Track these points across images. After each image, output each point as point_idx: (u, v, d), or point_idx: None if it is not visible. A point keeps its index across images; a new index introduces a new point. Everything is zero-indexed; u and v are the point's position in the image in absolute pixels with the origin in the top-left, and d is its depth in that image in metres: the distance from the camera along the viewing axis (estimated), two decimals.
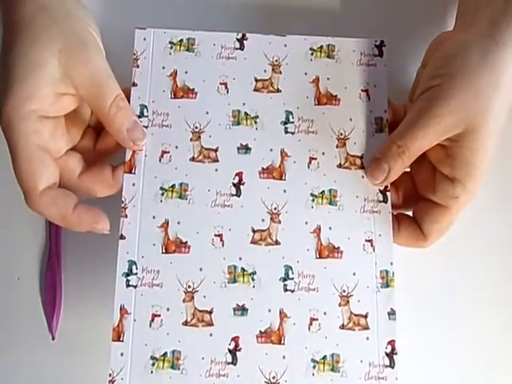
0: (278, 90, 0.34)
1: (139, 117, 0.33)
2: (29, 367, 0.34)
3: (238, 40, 0.34)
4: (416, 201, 0.33)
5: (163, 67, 0.34)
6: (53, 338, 0.34)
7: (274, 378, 0.30)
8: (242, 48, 0.34)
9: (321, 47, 0.35)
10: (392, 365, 0.30)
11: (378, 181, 0.32)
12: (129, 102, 0.32)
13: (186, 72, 0.34)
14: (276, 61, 0.34)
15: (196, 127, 0.33)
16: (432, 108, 0.29)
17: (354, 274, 0.31)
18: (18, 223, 0.36)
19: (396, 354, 0.30)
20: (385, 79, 0.34)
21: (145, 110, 0.33)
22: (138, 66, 0.33)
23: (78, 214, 0.29)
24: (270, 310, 0.31)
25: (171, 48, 0.34)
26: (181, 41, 0.34)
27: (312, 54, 0.35)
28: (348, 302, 0.31)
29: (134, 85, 0.33)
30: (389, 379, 0.30)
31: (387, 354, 0.30)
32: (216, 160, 0.33)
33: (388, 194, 0.33)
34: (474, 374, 0.35)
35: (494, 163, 0.31)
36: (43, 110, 0.28)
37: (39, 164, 0.28)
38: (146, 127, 0.33)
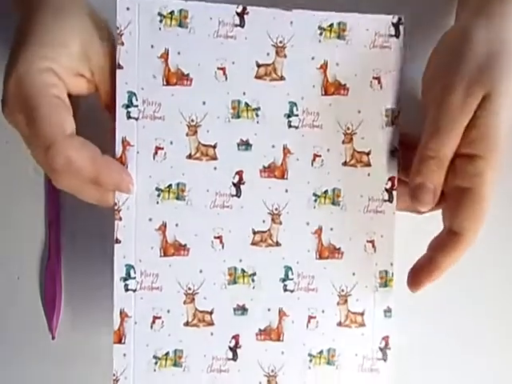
0: (282, 78, 0.31)
1: (127, 106, 0.30)
2: (29, 367, 0.34)
3: (237, 14, 0.30)
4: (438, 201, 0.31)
5: (152, 46, 0.30)
6: (53, 338, 0.34)
7: (272, 371, 0.31)
8: (242, 25, 0.30)
9: (331, 25, 0.31)
10: (385, 358, 0.32)
11: (429, 205, 0.29)
12: (115, 86, 0.29)
13: (179, 53, 0.30)
14: (280, 42, 0.30)
15: (192, 120, 0.30)
16: (445, 102, 0.28)
17: (353, 274, 0.32)
18: (17, 223, 0.35)
19: (389, 348, 0.32)
20: (400, 64, 0.31)
21: (133, 99, 0.30)
22: (122, 44, 0.29)
23: (107, 160, 0.28)
24: (269, 310, 0.31)
25: (161, 22, 0.29)
26: (171, 13, 0.29)
27: (321, 33, 0.31)
28: (346, 300, 0.32)
29: (120, 67, 0.29)
30: (381, 371, 0.32)
31: (381, 349, 0.32)
32: (214, 158, 0.30)
33: (394, 192, 0.32)
34: (474, 374, 0.36)
35: None
36: (62, 75, 0.27)
37: (62, 110, 0.27)
38: (137, 119, 0.30)
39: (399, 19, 0.31)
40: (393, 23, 0.31)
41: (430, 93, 0.29)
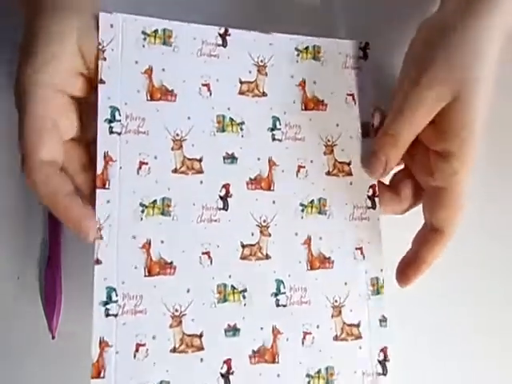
0: (264, 94, 0.32)
1: (110, 121, 0.29)
2: (29, 367, 0.33)
3: (220, 35, 0.31)
4: (419, 196, 0.32)
5: (136, 62, 0.30)
6: (53, 338, 0.33)
7: None
8: (224, 45, 0.31)
9: (306, 48, 0.33)
10: (385, 372, 0.31)
11: (377, 173, 0.31)
12: (96, 101, 0.29)
13: (164, 70, 0.30)
14: (261, 61, 0.32)
15: (177, 134, 0.30)
16: (417, 84, 0.29)
17: (345, 283, 0.31)
18: (17, 223, 0.35)
19: (388, 360, 0.31)
20: (370, 83, 0.34)
21: (116, 114, 0.29)
22: (104, 59, 0.29)
23: (70, 200, 0.27)
24: (262, 328, 0.30)
25: (144, 40, 0.30)
26: (155, 32, 0.30)
27: (298, 55, 0.33)
28: (340, 312, 0.31)
29: (102, 82, 0.29)
30: None
31: (380, 362, 0.31)
32: (200, 171, 0.30)
33: (376, 199, 0.32)
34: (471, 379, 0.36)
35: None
36: (60, 82, 0.28)
37: (45, 133, 0.27)
38: (119, 134, 0.29)
39: (366, 44, 0.34)
40: (360, 48, 0.34)
41: (404, 79, 0.30)
